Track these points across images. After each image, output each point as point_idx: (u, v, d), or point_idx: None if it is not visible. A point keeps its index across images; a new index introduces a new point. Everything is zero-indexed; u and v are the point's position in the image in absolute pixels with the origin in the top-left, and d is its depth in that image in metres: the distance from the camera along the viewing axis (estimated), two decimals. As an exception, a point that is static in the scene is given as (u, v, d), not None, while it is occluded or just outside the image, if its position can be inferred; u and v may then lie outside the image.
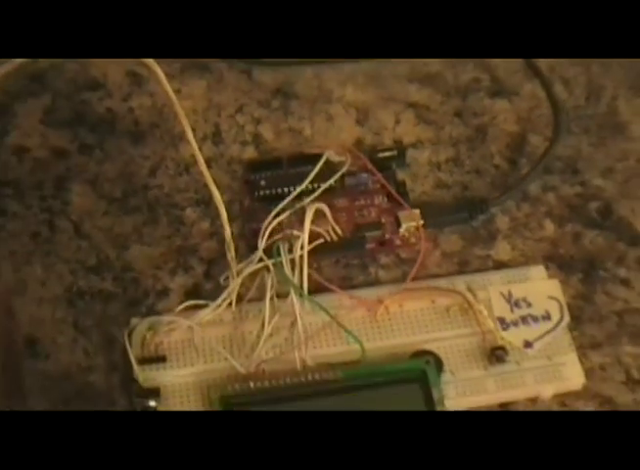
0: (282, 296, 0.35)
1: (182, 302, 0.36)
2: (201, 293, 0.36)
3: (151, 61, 0.37)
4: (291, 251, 0.34)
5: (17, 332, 0.35)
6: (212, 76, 0.43)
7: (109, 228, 0.38)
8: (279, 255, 0.34)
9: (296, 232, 0.34)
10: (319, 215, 0.36)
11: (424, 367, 0.33)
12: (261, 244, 0.34)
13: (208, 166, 0.37)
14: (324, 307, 0.33)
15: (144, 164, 0.40)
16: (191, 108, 0.41)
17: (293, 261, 0.34)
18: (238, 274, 0.35)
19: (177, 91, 0.41)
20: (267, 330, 0.33)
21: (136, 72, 0.43)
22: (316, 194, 0.36)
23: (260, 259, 0.34)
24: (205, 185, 0.37)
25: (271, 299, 0.33)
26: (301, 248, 0.33)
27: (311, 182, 0.38)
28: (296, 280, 0.33)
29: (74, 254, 0.38)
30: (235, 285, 0.34)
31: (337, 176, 0.37)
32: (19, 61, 0.40)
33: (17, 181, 0.40)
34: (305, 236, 0.33)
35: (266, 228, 0.34)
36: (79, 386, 0.35)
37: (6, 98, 0.42)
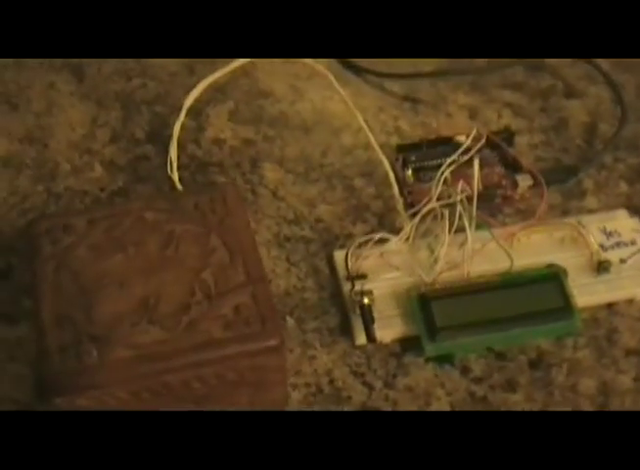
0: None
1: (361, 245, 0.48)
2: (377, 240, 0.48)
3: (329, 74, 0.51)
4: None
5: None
6: (353, 88, 0.56)
7: (299, 193, 0.51)
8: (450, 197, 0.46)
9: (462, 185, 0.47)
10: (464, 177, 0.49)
11: (558, 271, 0.46)
12: (436, 191, 0.47)
13: (365, 150, 0.50)
14: (487, 226, 0.46)
15: (316, 148, 0.53)
16: (344, 109, 0.54)
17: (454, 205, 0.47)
18: (411, 217, 0.47)
19: (330, 98, 0.54)
20: (444, 248, 0.46)
21: (296, 86, 0.56)
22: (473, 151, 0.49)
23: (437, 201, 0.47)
24: (366, 162, 0.51)
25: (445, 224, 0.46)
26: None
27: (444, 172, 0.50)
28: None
29: (276, 211, 0.50)
30: (414, 222, 0.47)
31: (476, 149, 0.49)
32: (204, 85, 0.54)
33: (220, 162, 0.52)
34: (476, 172, 0.46)
35: (439, 180, 0.47)
36: (298, 300, 0.47)
37: (198, 104, 0.54)
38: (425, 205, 0.47)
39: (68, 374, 0.38)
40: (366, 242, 0.47)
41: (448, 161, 0.48)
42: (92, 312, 0.40)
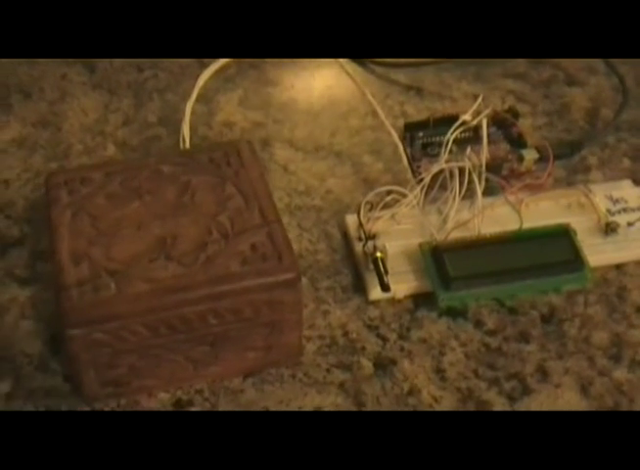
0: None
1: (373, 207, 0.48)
2: (387, 204, 0.49)
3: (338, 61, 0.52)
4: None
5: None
6: (360, 78, 0.57)
7: (308, 168, 0.52)
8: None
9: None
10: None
11: (567, 228, 0.47)
12: (446, 150, 0.48)
13: (373, 131, 0.51)
14: (496, 181, 0.47)
15: (325, 130, 0.54)
16: (352, 95, 0.55)
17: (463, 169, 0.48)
18: (419, 182, 0.48)
19: (337, 86, 0.55)
20: (454, 208, 0.46)
21: (304, 75, 0.57)
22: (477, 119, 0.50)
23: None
24: (374, 141, 0.51)
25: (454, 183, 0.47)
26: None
27: (455, 132, 0.51)
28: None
29: (287, 184, 0.51)
30: (426, 181, 0.47)
31: (480, 118, 0.51)
32: (215, 67, 0.55)
33: (232, 142, 0.53)
34: (484, 128, 0.47)
35: (447, 141, 0.48)
36: (311, 262, 0.47)
37: (208, 92, 0.56)
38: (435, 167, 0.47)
39: (85, 306, 0.39)
40: (377, 203, 0.47)
41: (457, 122, 0.49)
42: (110, 251, 0.40)
